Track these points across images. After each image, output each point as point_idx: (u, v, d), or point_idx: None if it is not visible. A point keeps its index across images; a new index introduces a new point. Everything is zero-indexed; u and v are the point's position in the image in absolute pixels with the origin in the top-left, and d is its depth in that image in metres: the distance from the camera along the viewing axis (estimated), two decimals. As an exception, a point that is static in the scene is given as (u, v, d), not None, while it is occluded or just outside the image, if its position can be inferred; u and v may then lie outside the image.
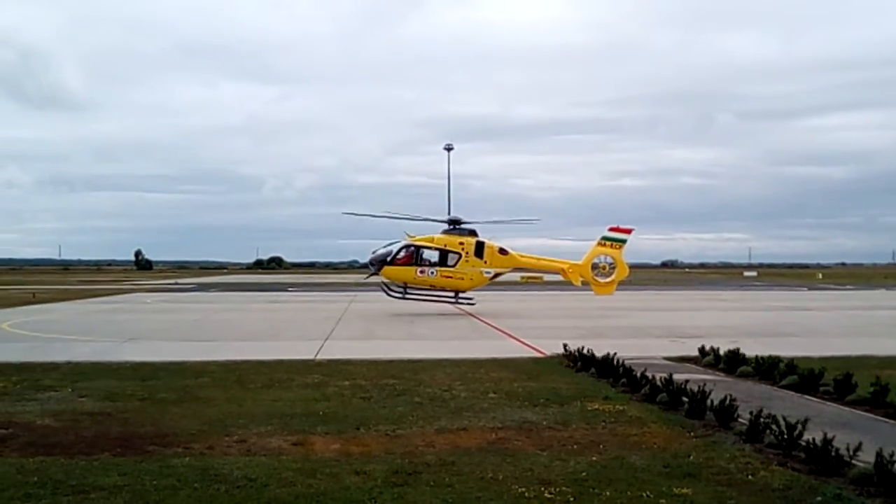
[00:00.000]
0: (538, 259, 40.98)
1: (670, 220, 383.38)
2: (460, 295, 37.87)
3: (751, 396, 13.90)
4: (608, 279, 39.38)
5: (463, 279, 37.71)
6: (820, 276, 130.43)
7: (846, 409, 13.28)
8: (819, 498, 8.28)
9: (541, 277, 79.22)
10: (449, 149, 50.63)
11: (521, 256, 39.67)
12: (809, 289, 75.60)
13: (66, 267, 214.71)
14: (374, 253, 38.87)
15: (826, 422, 11.32)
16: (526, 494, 8.41)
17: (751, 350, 18.56)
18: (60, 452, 10.22)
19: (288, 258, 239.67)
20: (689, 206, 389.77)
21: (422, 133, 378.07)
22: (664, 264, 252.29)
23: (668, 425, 11.85)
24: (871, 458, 8.65)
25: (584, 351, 18.33)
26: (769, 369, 16.52)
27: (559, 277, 42.40)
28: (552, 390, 15.06)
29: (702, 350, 19.54)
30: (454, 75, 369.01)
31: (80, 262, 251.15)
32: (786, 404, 13.27)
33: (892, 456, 8.43)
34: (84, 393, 14.82)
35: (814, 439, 9.43)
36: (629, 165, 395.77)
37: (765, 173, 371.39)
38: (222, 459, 9.88)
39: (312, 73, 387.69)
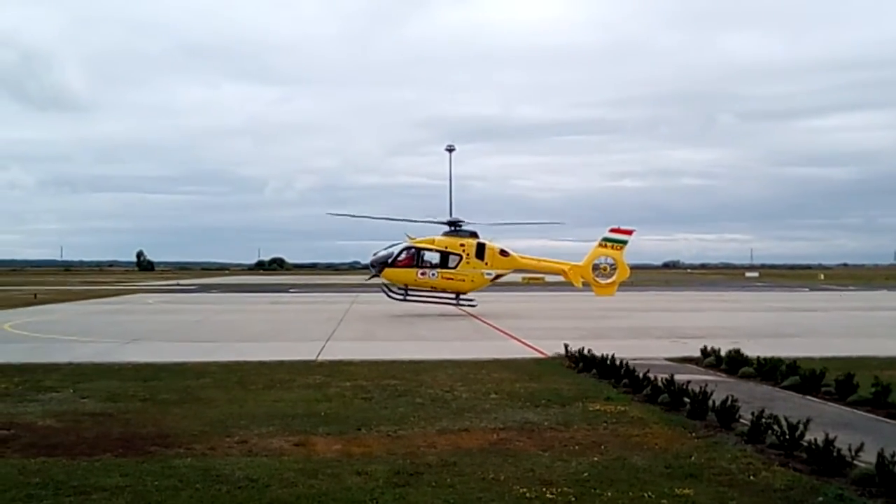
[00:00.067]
0: (539, 260, 40.99)
1: (671, 220, 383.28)
2: (461, 297, 37.87)
3: (752, 397, 13.89)
4: (609, 280, 39.37)
5: (464, 281, 37.72)
6: (822, 276, 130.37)
7: (848, 409, 13.28)
8: (821, 498, 8.27)
9: (542, 278, 79.15)
10: (450, 150, 50.58)
11: (522, 258, 39.68)
12: (811, 289, 75.56)
13: (67, 268, 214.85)
14: (375, 255, 38.90)
15: (828, 422, 11.31)
16: (527, 495, 8.41)
17: (752, 351, 18.55)
18: (62, 453, 10.22)
19: (289, 259, 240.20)
20: (691, 206, 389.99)
21: (422, 134, 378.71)
22: (665, 265, 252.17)
23: (670, 426, 11.85)
24: (873, 459, 8.64)
25: (586, 352, 18.33)
26: (771, 370, 16.51)
27: (560, 278, 42.39)
28: (554, 391, 15.06)
29: (703, 351, 19.53)
30: (455, 76, 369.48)
31: (81, 263, 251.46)
32: (787, 405, 13.25)
33: (893, 456, 8.42)
34: (86, 394, 14.83)
35: (815, 440, 9.43)
36: (630, 166, 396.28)
37: (766, 174, 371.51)
38: (224, 460, 9.88)
39: (314, 74, 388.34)
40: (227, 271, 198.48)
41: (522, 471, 9.36)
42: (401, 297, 38.03)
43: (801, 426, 9.93)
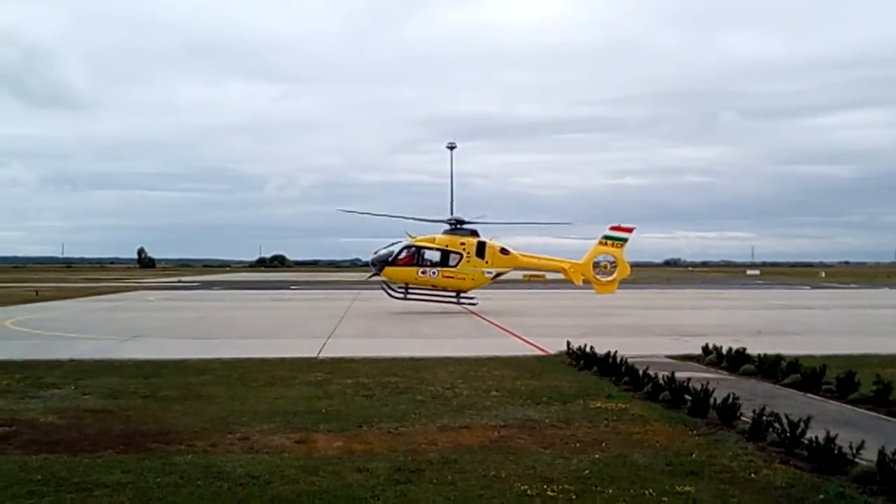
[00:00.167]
0: (539, 258, 40.99)
1: (673, 218, 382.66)
2: (462, 295, 37.87)
3: (753, 395, 13.89)
4: (610, 278, 39.35)
5: (464, 279, 37.73)
6: (823, 274, 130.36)
7: (849, 407, 13.28)
8: (822, 496, 8.28)
9: (543, 275, 79.28)
10: (452, 147, 50.61)
11: (523, 256, 39.67)
12: (812, 287, 75.52)
13: (69, 265, 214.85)
14: (375, 253, 38.93)
15: (829, 420, 11.31)
16: (528, 492, 8.41)
17: (753, 348, 18.53)
18: (64, 450, 10.23)
19: (290, 256, 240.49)
20: (692, 204, 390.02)
21: (424, 132, 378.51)
22: (667, 263, 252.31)
23: (671, 423, 11.85)
24: (874, 457, 8.64)
25: (587, 349, 18.33)
26: (772, 368, 16.52)
27: (562, 276, 42.39)
28: (555, 388, 15.06)
29: (704, 348, 19.54)
30: (457, 74, 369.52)
31: (83, 260, 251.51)
32: (788, 403, 13.25)
33: (894, 454, 8.43)
34: (87, 390, 14.84)
35: (816, 438, 9.43)
36: (631, 164, 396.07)
37: (768, 172, 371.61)
38: (225, 457, 9.89)
39: (316, 72, 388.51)
40: (228, 268, 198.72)
41: (523, 468, 9.37)
42: (401, 295, 38.03)
43: (802, 424, 9.93)
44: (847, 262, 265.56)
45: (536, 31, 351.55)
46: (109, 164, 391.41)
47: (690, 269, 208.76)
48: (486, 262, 37.86)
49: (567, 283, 41.95)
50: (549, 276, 68.68)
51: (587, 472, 9.19)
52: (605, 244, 39.16)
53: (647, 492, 8.42)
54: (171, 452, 10.12)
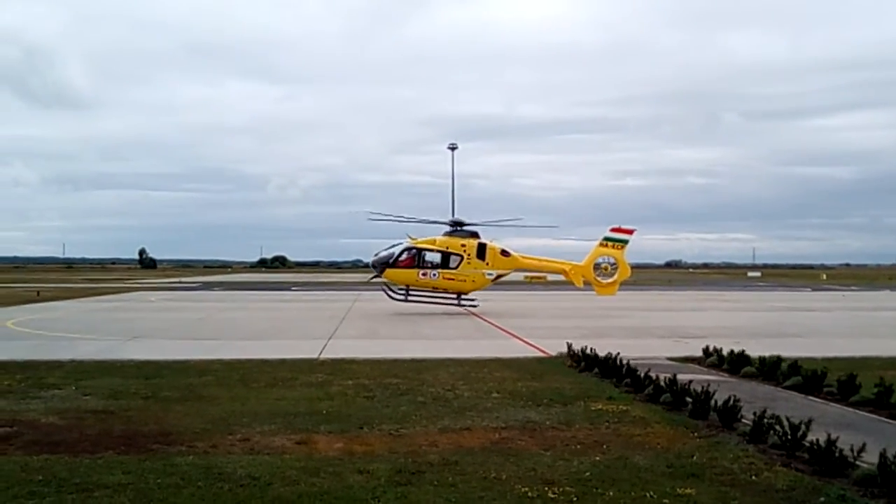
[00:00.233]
0: (540, 260, 41.01)
1: (674, 220, 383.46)
2: (463, 297, 37.87)
3: (754, 397, 13.88)
4: (610, 280, 39.35)
5: (465, 281, 37.73)
6: (824, 276, 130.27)
7: (850, 409, 13.26)
8: (822, 499, 8.27)
9: (544, 277, 79.29)
10: (453, 148, 50.59)
11: (523, 258, 39.69)
12: (813, 289, 75.47)
13: (70, 265, 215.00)
14: (376, 255, 38.95)
15: (830, 423, 11.31)
16: (529, 494, 8.41)
17: (754, 350, 18.53)
18: (65, 451, 10.24)
19: (292, 257, 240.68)
20: (693, 206, 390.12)
21: (426, 132, 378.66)
22: (667, 264, 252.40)
23: (672, 425, 11.85)
24: (875, 459, 8.64)
25: (588, 351, 18.32)
26: (773, 370, 16.51)
27: (563, 277, 42.38)
28: (556, 390, 15.06)
29: (705, 350, 19.53)
30: (458, 74, 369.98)
31: (84, 261, 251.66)
32: (789, 405, 13.25)
33: (895, 457, 8.42)
34: (88, 391, 14.85)
35: (817, 440, 9.42)
36: (633, 165, 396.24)
37: (769, 173, 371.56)
38: (226, 458, 9.89)
39: (317, 72, 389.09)
40: (229, 269, 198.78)
41: (524, 470, 9.36)
42: (402, 297, 38.03)
43: (803, 426, 9.92)
44: (848, 265, 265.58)
45: (538, 31, 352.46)
46: (111, 165, 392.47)
47: (691, 270, 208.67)
48: (487, 264, 37.86)
49: (568, 284, 41.94)
50: (550, 277, 68.71)
51: (588, 474, 9.19)
52: (606, 246, 39.15)
53: (647, 494, 8.41)
54: (172, 453, 10.12)
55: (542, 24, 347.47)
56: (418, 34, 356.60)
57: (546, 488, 8.57)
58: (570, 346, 19.51)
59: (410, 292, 37.99)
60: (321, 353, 21.10)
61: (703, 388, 12.64)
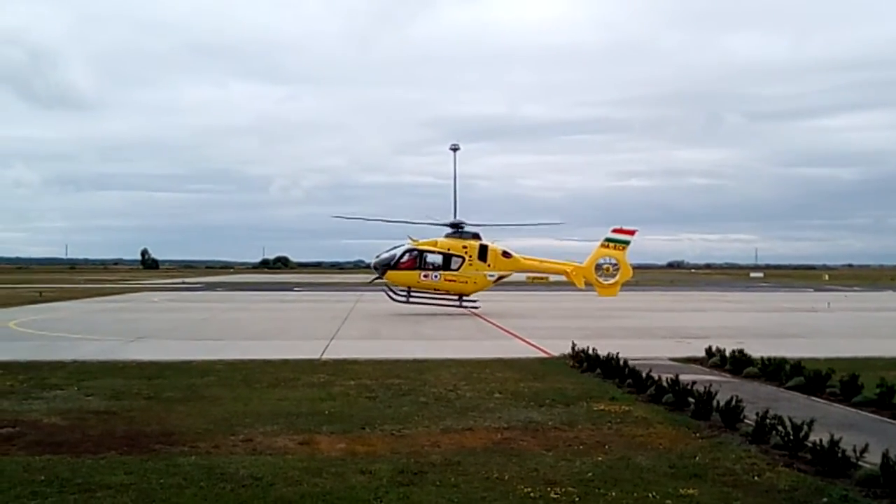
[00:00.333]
0: (541, 261, 41.02)
1: (676, 220, 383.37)
2: (464, 298, 37.86)
3: (757, 397, 13.87)
4: (612, 280, 39.34)
5: (466, 283, 37.75)
6: (826, 277, 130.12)
7: (852, 410, 13.25)
8: (825, 499, 8.26)
9: (546, 278, 79.21)
10: (455, 149, 50.43)
11: (525, 259, 39.70)
12: (816, 290, 75.39)
13: (72, 266, 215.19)
14: (377, 257, 38.98)
15: (832, 423, 11.29)
16: (531, 494, 8.41)
17: (757, 351, 18.52)
18: (67, 451, 10.25)
19: (294, 258, 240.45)
20: (696, 206, 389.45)
21: (428, 133, 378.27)
22: (670, 265, 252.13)
23: (674, 426, 11.84)
24: (878, 460, 8.63)
25: (590, 351, 18.31)
26: (775, 370, 16.49)
27: (564, 278, 42.37)
28: (558, 390, 15.05)
29: (708, 351, 19.52)
30: (461, 75, 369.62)
31: (86, 262, 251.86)
32: (792, 405, 13.24)
33: (898, 457, 8.41)
34: (90, 392, 14.86)
35: (820, 440, 9.41)
36: (636, 166, 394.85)
37: (772, 174, 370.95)
38: (228, 458, 9.90)
39: (320, 73, 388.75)
40: (231, 270, 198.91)
41: (526, 470, 9.36)
42: (403, 299, 38.03)
43: (805, 427, 9.91)
44: (851, 265, 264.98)
45: (542, 31, 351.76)
46: (113, 165, 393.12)
47: (693, 271, 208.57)
48: (489, 266, 37.87)
49: (570, 285, 41.93)
50: (552, 278, 68.64)
51: (590, 474, 9.19)
52: (608, 246, 39.15)
53: (650, 494, 8.41)
54: (175, 454, 10.13)
55: (543, 25, 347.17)
56: (420, 35, 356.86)
57: (548, 489, 8.57)
58: (573, 347, 19.49)
59: (412, 294, 38.00)
60: (323, 353, 21.11)
61: (705, 388, 12.64)
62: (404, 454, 10.10)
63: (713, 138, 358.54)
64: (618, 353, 17.26)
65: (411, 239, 38.53)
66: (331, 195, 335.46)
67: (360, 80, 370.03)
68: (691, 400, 12.75)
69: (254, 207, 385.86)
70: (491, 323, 32.31)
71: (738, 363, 17.84)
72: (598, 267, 39.28)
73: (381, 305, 40.11)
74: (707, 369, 18.26)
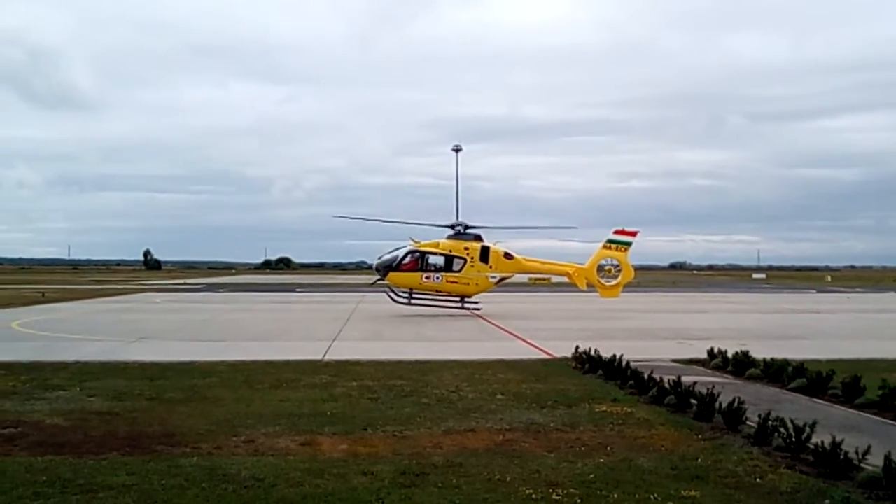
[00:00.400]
0: (543, 263, 41.01)
1: (678, 221, 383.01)
2: (466, 300, 37.87)
3: (759, 399, 13.85)
4: (614, 282, 39.33)
5: (468, 284, 37.75)
6: (829, 278, 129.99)
7: (854, 412, 13.23)
8: (827, 501, 8.25)
9: (548, 279, 79.17)
10: (457, 150, 50.46)
11: (527, 260, 39.70)
12: (818, 291, 75.31)
13: (75, 266, 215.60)
14: (379, 259, 38.99)
15: (834, 425, 11.28)
16: (533, 496, 8.40)
17: (759, 352, 18.51)
18: (69, 451, 10.26)
19: (296, 259, 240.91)
20: (698, 207, 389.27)
21: (430, 134, 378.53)
22: (672, 266, 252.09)
23: (676, 428, 11.83)
24: (880, 462, 8.61)
25: (592, 353, 18.30)
26: (777, 372, 16.47)
27: (566, 279, 42.35)
28: (560, 392, 15.04)
29: (710, 352, 19.50)
30: (462, 76, 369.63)
31: (89, 262, 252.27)
32: (794, 407, 13.22)
33: (901, 459, 8.40)
34: (92, 392, 14.88)
35: (822, 442, 9.40)
36: (638, 167, 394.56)
37: (774, 175, 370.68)
38: (230, 459, 9.90)
39: (320, 73, 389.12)
40: (233, 270, 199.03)
41: (528, 472, 9.36)
42: (405, 300, 38.02)
43: (807, 429, 9.89)
44: (853, 266, 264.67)
45: (543, 33, 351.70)
46: (115, 166, 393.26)
47: (696, 272, 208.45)
48: (490, 267, 37.86)
49: (572, 286, 41.93)
50: (554, 279, 68.65)
51: (592, 476, 9.18)
52: (610, 248, 39.13)
53: (652, 496, 8.40)
54: (177, 455, 10.14)
55: (544, 26, 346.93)
56: (421, 36, 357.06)
57: (550, 490, 8.57)
58: (576, 349, 19.47)
59: (414, 296, 38.00)
60: (325, 354, 21.11)
61: (707, 389, 12.62)
62: (406, 455, 10.09)
63: (714, 139, 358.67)
64: (620, 355, 17.23)
65: (413, 240, 38.53)
66: (332, 196, 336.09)
67: (361, 80, 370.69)
68: (693, 401, 12.73)
69: (255, 208, 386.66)
70: (493, 324, 32.30)
71: (740, 365, 17.82)
72: (600, 268, 39.27)
73: (384, 307, 40.12)
74: (709, 371, 18.25)
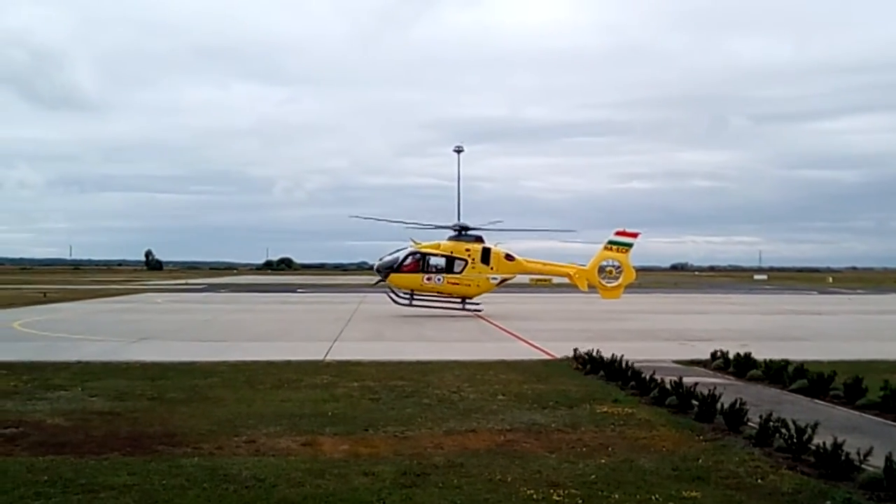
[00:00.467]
0: (544, 264, 41.01)
1: (680, 222, 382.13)
2: (467, 301, 37.88)
3: (760, 400, 13.85)
4: (615, 283, 39.30)
5: (469, 286, 37.77)
6: (830, 279, 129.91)
7: (856, 413, 13.23)
8: (828, 502, 8.25)
9: (549, 280, 79.24)
10: (459, 151, 50.42)
11: (528, 262, 39.70)
12: (819, 293, 75.26)
13: (76, 267, 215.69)
14: (380, 260, 39.02)
15: (836, 426, 11.28)
16: (534, 497, 8.40)
17: (760, 354, 18.51)
18: (70, 452, 10.27)
19: (297, 259, 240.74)
20: (699, 208, 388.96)
21: (431, 135, 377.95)
22: (673, 267, 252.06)
23: (678, 428, 11.82)
24: (881, 463, 8.61)
25: (593, 353, 18.30)
26: (779, 373, 16.47)
27: (567, 280, 42.34)
28: (561, 393, 15.04)
29: (712, 353, 19.49)
30: (464, 77, 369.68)
31: (90, 262, 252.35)
32: (795, 408, 13.22)
33: (902, 461, 8.39)
34: (94, 392, 14.89)
35: (823, 443, 9.39)
36: (639, 168, 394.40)
37: (775, 176, 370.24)
38: (231, 459, 9.91)
39: (322, 74, 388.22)
40: (235, 271, 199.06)
41: (529, 472, 9.36)
42: (406, 302, 38.03)
43: (809, 430, 9.90)
44: (854, 268, 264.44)
45: (544, 34, 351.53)
46: (117, 167, 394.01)
47: (697, 273, 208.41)
48: (492, 269, 37.87)
49: (573, 287, 41.94)
50: (555, 280, 68.66)
51: (593, 476, 9.18)
52: (611, 249, 39.11)
53: (653, 497, 8.40)
54: (178, 455, 10.14)
55: (545, 29, 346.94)
56: (422, 37, 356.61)
57: (551, 491, 8.56)
58: (576, 350, 19.46)
59: (415, 297, 38.00)
60: (327, 354, 21.12)
61: (708, 390, 12.62)
62: (407, 456, 10.10)
63: (716, 140, 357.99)
64: (621, 356, 17.23)
65: (414, 242, 38.54)
66: (334, 197, 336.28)
67: (362, 81, 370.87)
68: (695, 402, 12.73)
69: (256, 209, 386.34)
70: (494, 325, 32.30)
71: (741, 366, 17.81)
72: (602, 269, 39.26)
73: (385, 307, 40.14)
74: (711, 372, 18.25)
